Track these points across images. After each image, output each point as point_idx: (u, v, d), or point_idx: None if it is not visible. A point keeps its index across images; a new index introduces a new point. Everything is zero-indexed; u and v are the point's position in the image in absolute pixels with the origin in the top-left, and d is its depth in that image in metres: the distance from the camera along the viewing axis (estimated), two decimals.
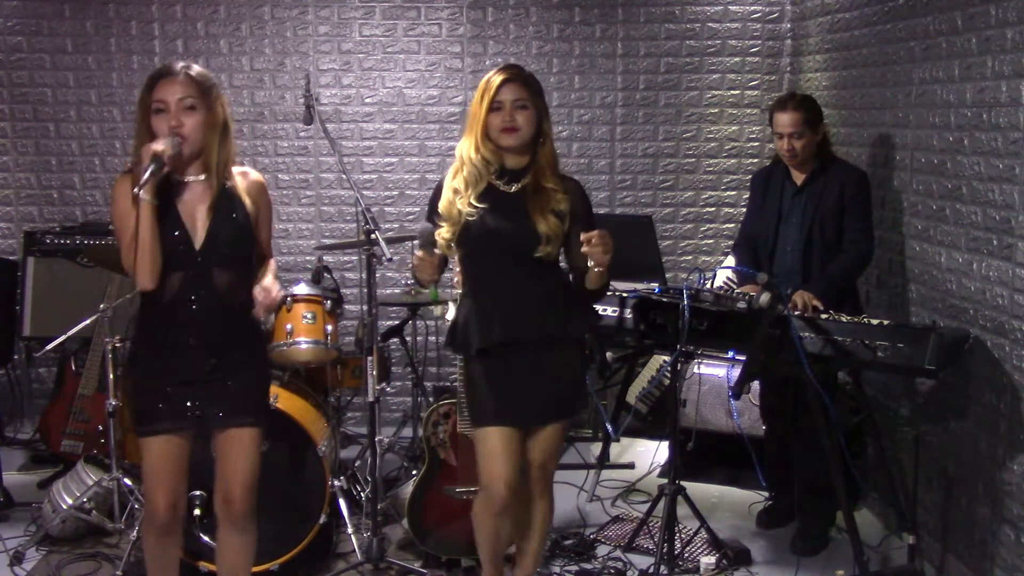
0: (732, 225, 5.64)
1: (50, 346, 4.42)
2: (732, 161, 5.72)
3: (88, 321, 4.31)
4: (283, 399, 3.89)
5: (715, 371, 4.84)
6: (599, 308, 4.01)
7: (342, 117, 5.57)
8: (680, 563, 3.90)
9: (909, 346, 3.50)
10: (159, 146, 2.72)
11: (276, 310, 3.13)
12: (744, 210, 4.76)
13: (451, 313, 3.24)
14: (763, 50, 5.64)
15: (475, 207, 3.03)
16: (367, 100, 5.58)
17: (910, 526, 3.77)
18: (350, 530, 4.04)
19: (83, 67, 5.49)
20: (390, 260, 3.57)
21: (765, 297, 3.53)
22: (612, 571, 3.95)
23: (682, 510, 3.94)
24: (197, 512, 3.61)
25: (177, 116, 2.78)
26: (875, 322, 3.68)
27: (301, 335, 4.11)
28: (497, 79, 3.03)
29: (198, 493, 3.54)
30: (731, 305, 3.67)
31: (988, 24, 3.55)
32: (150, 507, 2.97)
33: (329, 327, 4.17)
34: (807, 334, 3.64)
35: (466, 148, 3.07)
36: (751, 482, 4.59)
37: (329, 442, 4.06)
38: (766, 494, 4.51)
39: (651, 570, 3.86)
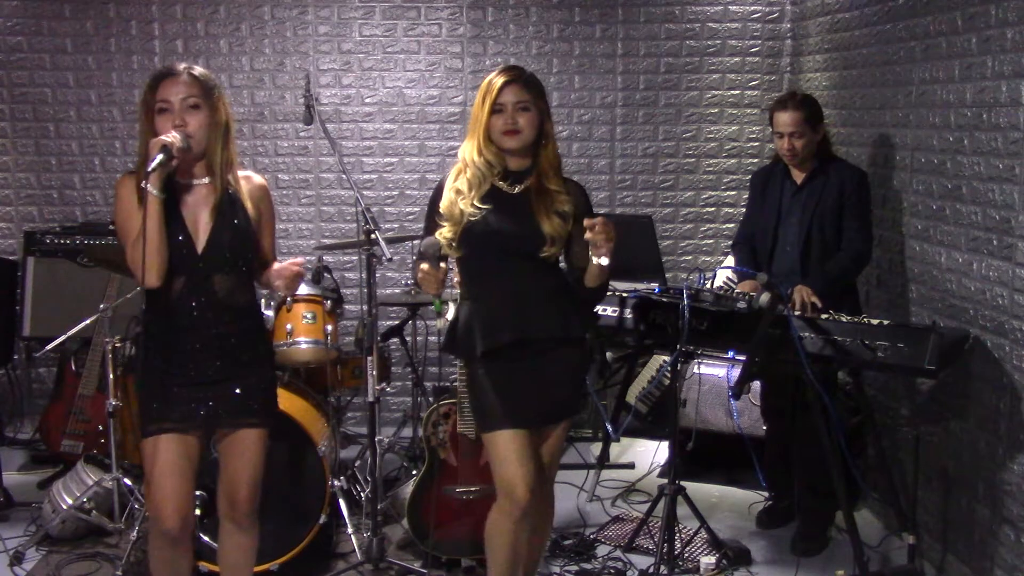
0: (732, 225, 5.64)
1: (50, 346, 4.43)
2: (732, 161, 5.73)
3: (88, 321, 4.31)
4: (283, 399, 3.88)
5: (715, 371, 4.84)
6: (599, 308, 4.02)
7: (342, 117, 5.57)
8: (680, 563, 3.90)
9: (909, 346, 3.50)
10: (168, 138, 2.71)
11: (299, 280, 3.04)
12: (744, 210, 4.76)
13: (450, 314, 3.21)
14: (763, 50, 5.64)
15: (478, 208, 3.02)
16: (367, 100, 5.58)
17: (910, 526, 3.76)
18: (350, 530, 4.04)
19: (83, 67, 5.49)
20: (390, 260, 3.57)
21: (765, 297, 3.53)
22: (612, 571, 3.95)
23: (682, 510, 3.94)
24: (197, 512, 3.60)
25: (181, 115, 2.77)
26: (875, 322, 3.68)
27: (301, 335, 4.11)
28: (499, 81, 3.01)
29: (199, 493, 3.53)
30: (731, 305, 3.67)
31: (988, 24, 3.56)
32: (158, 515, 2.88)
33: (329, 327, 4.18)
34: (807, 334, 3.64)
35: (469, 151, 3.06)
36: (751, 482, 4.59)
37: (329, 442, 4.06)
38: (766, 494, 4.51)
39: (651, 570, 3.86)
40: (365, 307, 3.84)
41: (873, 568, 3.82)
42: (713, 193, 5.74)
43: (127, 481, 4.11)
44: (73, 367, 4.81)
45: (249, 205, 2.94)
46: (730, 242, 5.17)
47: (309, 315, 4.13)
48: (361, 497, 4.31)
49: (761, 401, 4.50)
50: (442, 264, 2.96)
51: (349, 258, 5.62)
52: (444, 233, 3.03)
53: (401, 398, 5.58)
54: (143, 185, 2.68)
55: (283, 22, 5.50)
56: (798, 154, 4.05)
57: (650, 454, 5.15)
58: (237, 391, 2.93)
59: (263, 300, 4.04)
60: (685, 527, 4.14)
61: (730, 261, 4.61)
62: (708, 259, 5.71)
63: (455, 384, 3.39)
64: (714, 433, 4.87)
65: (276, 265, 3.00)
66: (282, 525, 3.79)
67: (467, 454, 3.84)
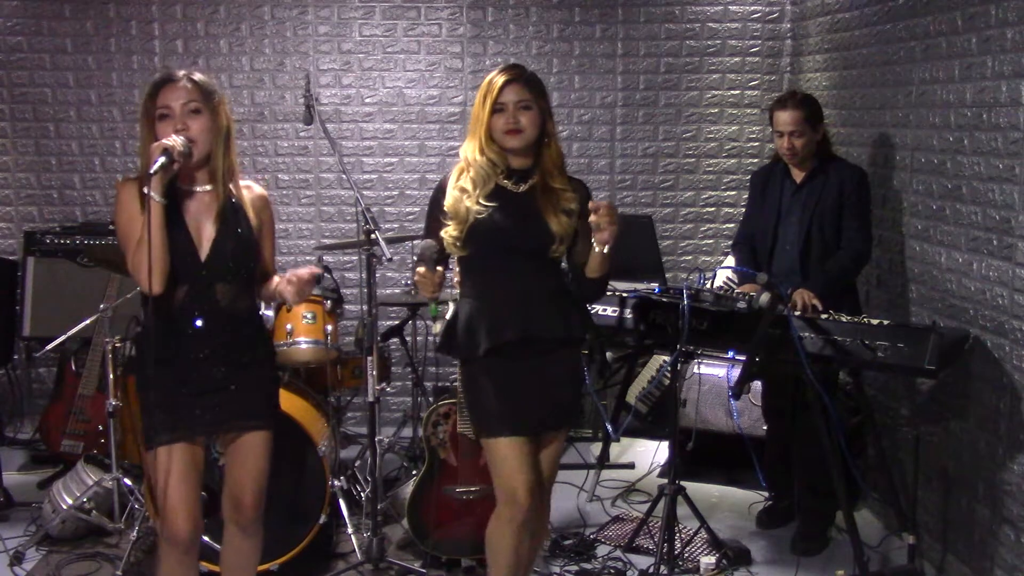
0: (732, 225, 5.64)
1: (50, 346, 4.43)
2: (732, 161, 5.73)
3: (88, 321, 4.32)
4: (283, 399, 3.86)
5: (715, 371, 4.84)
6: (599, 308, 4.03)
7: (342, 117, 5.57)
8: (680, 563, 3.90)
9: (909, 346, 3.50)
10: (170, 141, 2.69)
11: (311, 287, 3.03)
12: (744, 210, 4.76)
13: (449, 313, 3.17)
14: (763, 50, 5.64)
15: (485, 205, 2.98)
16: (367, 100, 5.58)
17: (910, 526, 3.76)
18: (350, 530, 4.04)
19: (83, 67, 5.50)
20: (390, 260, 3.57)
21: (765, 297, 3.53)
22: (612, 571, 3.95)
23: (682, 510, 3.94)
24: (198, 510, 3.59)
25: (182, 120, 2.75)
26: (875, 322, 3.68)
27: (301, 335, 4.11)
28: (499, 80, 2.98)
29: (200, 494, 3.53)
30: (731, 305, 3.67)
31: (988, 24, 3.55)
32: (171, 525, 2.84)
33: (329, 327, 4.18)
34: (807, 334, 3.64)
35: (470, 151, 3.03)
36: (751, 482, 4.59)
37: (329, 442, 4.06)
38: (766, 494, 4.51)
39: (651, 570, 3.86)
40: (365, 307, 3.84)
41: (873, 568, 3.82)
42: (713, 193, 5.74)
43: (127, 481, 4.11)
44: (73, 367, 4.81)
45: (251, 214, 2.92)
46: (730, 242, 5.17)
47: (309, 315, 4.13)
48: (361, 497, 4.31)
49: (761, 401, 4.50)
50: (439, 267, 2.93)
51: (349, 258, 5.62)
52: (450, 231, 3.00)
53: (401, 398, 5.58)
54: (145, 190, 2.66)
55: (283, 22, 5.50)
56: (798, 153, 4.05)
57: (650, 454, 5.15)
58: (241, 395, 2.92)
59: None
60: (685, 527, 4.14)
61: (730, 261, 4.61)
62: (708, 259, 5.71)
63: (455, 384, 3.38)
64: (714, 433, 4.87)
65: (288, 272, 2.97)
66: (282, 525, 3.79)
67: (467, 454, 3.84)
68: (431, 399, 4.38)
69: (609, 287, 3.86)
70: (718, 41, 5.62)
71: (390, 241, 3.66)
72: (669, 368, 3.85)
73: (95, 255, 4.64)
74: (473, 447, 3.78)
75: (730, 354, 4.45)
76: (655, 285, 4.02)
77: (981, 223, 3.63)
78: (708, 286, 3.77)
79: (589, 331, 3.28)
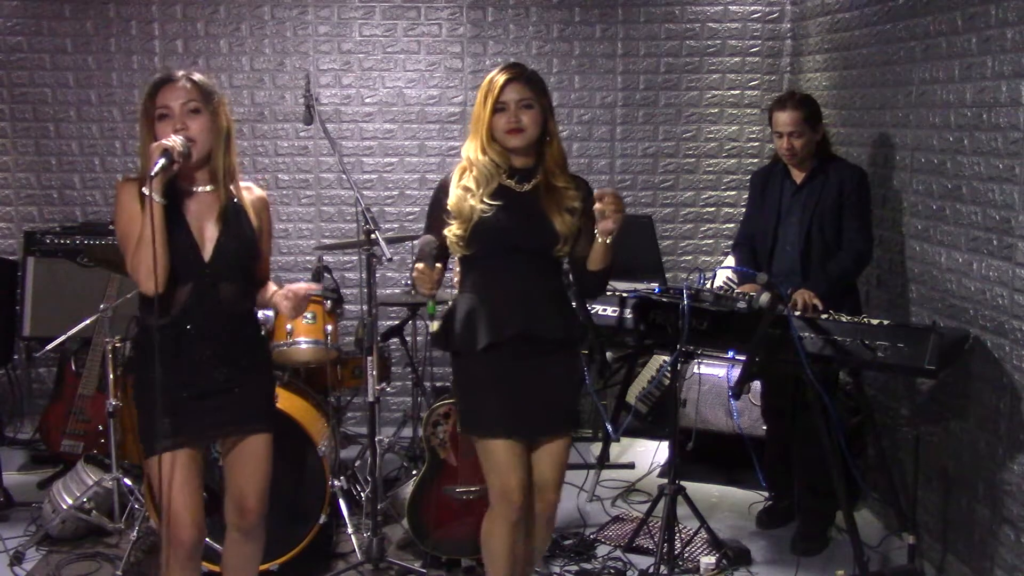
0: (732, 225, 5.64)
1: (50, 346, 4.43)
2: (732, 161, 5.73)
3: (88, 321, 4.32)
4: (283, 399, 3.88)
5: (715, 371, 4.84)
6: (599, 308, 4.03)
7: (342, 117, 5.57)
8: (680, 563, 3.90)
9: (909, 346, 3.50)
10: (169, 142, 2.68)
11: (306, 303, 3.04)
12: (744, 210, 4.76)
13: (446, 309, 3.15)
14: (763, 50, 5.64)
15: (489, 204, 2.97)
16: (367, 100, 5.58)
17: (910, 526, 3.77)
18: (350, 530, 4.04)
19: (83, 67, 5.50)
20: (390, 260, 3.56)
21: (765, 297, 3.53)
22: (612, 571, 3.95)
23: (682, 510, 3.94)
24: (201, 513, 3.59)
25: (182, 120, 2.74)
26: (875, 322, 3.67)
27: (301, 335, 4.11)
28: (500, 79, 2.97)
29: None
30: (731, 305, 3.67)
31: (988, 24, 3.56)
32: (177, 530, 2.82)
33: (329, 327, 4.18)
34: (807, 334, 3.64)
35: (472, 151, 3.01)
36: (751, 482, 4.59)
37: (329, 442, 4.06)
38: (766, 494, 4.51)
39: (651, 570, 3.86)
40: (365, 307, 3.84)
41: (873, 568, 3.82)
42: (713, 193, 5.74)
43: (127, 481, 4.11)
44: (73, 367, 4.81)
45: (252, 215, 2.92)
46: (730, 242, 5.18)
47: (309, 315, 4.13)
48: (361, 497, 4.31)
49: (761, 401, 4.50)
50: (438, 264, 2.92)
51: (349, 258, 5.62)
52: (453, 231, 2.98)
53: (401, 398, 5.58)
54: (145, 191, 2.64)
55: (283, 22, 5.50)
56: (797, 154, 4.05)
57: (650, 454, 5.15)
58: (242, 398, 2.91)
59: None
60: (685, 527, 4.14)
61: (730, 261, 4.61)
62: (708, 259, 5.71)
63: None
64: (714, 433, 4.87)
65: (286, 287, 2.98)
66: (282, 525, 3.79)
67: (467, 454, 3.84)
68: (431, 399, 4.38)
69: (609, 287, 3.86)
70: (718, 41, 5.62)
71: (390, 241, 3.66)
72: (669, 368, 3.85)
73: (95, 255, 4.64)
74: (473, 447, 3.77)
75: (730, 354, 4.45)
76: (655, 285, 4.01)
77: (981, 223, 3.63)
78: (708, 286, 3.77)
79: (588, 334, 3.26)
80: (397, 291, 5.06)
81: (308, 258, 5.51)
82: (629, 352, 4.86)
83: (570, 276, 3.20)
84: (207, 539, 3.58)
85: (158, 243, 2.66)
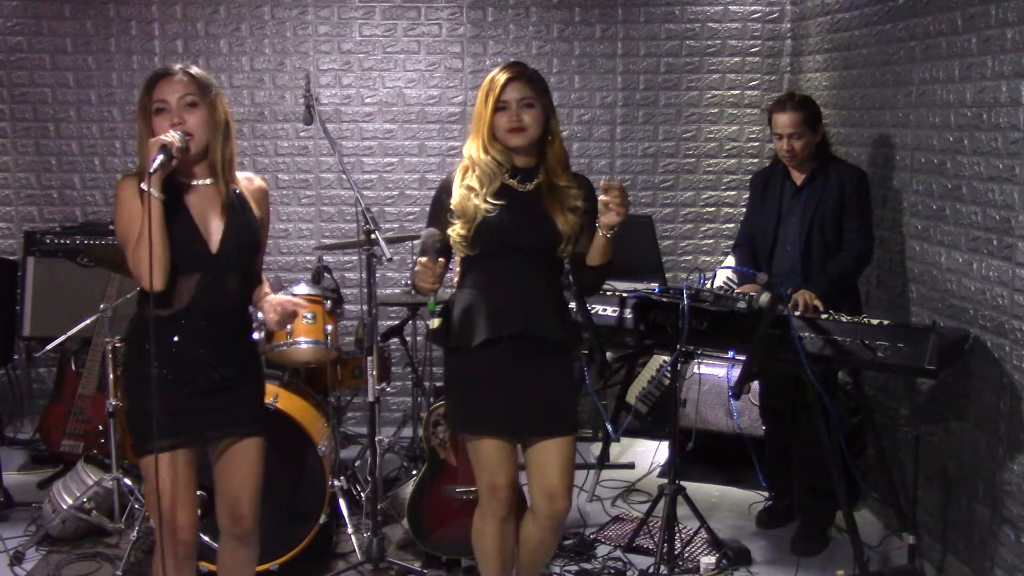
0: (732, 225, 5.64)
1: (50, 346, 4.43)
2: (732, 161, 5.73)
3: (88, 321, 4.32)
4: (283, 399, 3.89)
5: (715, 371, 4.84)
6: (599, 308, 4.03)
7: (342, 117, 5.57)
8: (680, 563, 3.90)
9: (909, 346, 3.50)
10: (167, 137, 2.67)
11: (293, 319, 3.04)
12: (744, 210, 4.76)
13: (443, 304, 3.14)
14: (763, 50, 5.64)
15: (493, 204, 2.96)
16: (367, 100, 5.58)
17: (910, 526, 3.76)
18: (350, 530, 4.04)
19: (83, 67, 5.50)
20: (390, 260, 3.56)
21: (765, 297, 3.53)
22: (612, 571, 3.95)
23: (682, 510, 3.94)
24: (198, 512, 3.59)
25: (179, 114, 2.73)
26: (875, 322, 3.67)
27: (301, 335, 4.11)
28: (501, 78, 2.96)
29: (199, 493, 3.52)
30: (731, 305, 3.67)
31: (988, 24, 3.56)
32: (175, 530, 2.81)
33: (329, 327, 4.18)
34: (807, 334, 3.64)
35: (474, 150, 3.00)
36: (751, 482, 4.59)
37: (329, 442, 4.06)
38: (766, 494, 4.51)
39: (651, 570, 3.86)
40: (365, 307, 3.84)
41: (873, 568, 3.82)
42: (713, 193, 5.74)
43: (127, 481, 4.11)
44: (73, 367, 4.81)
45: (254, 205, 2.91)
46: (730, 242, 5.18)
47: (309, 315, 4.13)
48: (361, 497, 4.31)
49: (761, 401, 4.50)
50: (440, 259, 2.91)
51: (349, 258, 5.62)
52: (457, 230, 2.97)
53: (401, 398, 5.58)
54: (143, 187, 2.64)
55: (283, 22, 5.50)
56: (797, 155, 4.05)
57: (650, 454, 5.15)
58: (237, 399, 2.89)
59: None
60: (685, 527, 4.14)
61: (730, 261, 4.61)
62: (708, 259, 5.71)
63: None
64: (714, 433, 4.87)
65: (274, 298, 2.96)
66: (282, 525, 3.79)
67: (467, 454, 3.84)
68: (431, 399, 4.37)
69: (609, 287, 3.86)
70: (718, 41, 5.62)
71: (390, 241, 3.66)
72: (669, 368, 3.85)
73: (95, 255, 4.63)
74: None
75: (730, 354, 4.45)
76: (655, 285, 4.01)
77: (981, 223, 3.63)
78: (708, 286, 3.77)
79: (582, 340, 3.24)
80: (397, 291, 5.07)
81: (308, 258, 5.51)
82: (629, 352, 4.86)
83: (569, 276, 3.19)
84: (207, 539, 3.60)
85: (158, 238, 2.65)
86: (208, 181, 2.83)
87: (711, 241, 5.77)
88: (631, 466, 5.10)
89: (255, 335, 3.03)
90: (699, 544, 4.09)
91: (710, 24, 5.62)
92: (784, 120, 4.02)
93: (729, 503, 4.67)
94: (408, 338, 4.99)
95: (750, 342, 3.62)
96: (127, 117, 5.47)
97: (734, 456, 4.73)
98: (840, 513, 3.96)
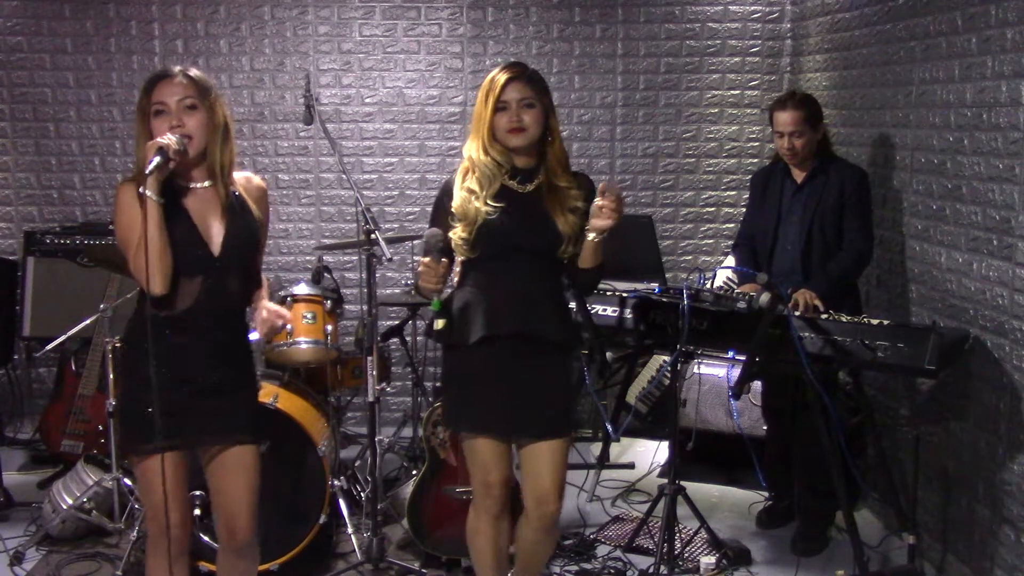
0: (732, 225, 5.64)
1: (50, 346, 4.43)
2: (732, 161, 5.73)
3: (88, 321, 4.31)
4: (283, 399, 3.89)
5: (715, 371, 4.84)
6: (599, 308, 4.02)
7: (342, 117, 5.57)
8: (680, 563, 3.90)
9: (909, 346, 3.50)
10: (164, 140, 2.66)
11: (274, 333, 3.03)
12: (744, 210, 4.76)
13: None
14: (763, 50, 5.64)
15: (493, 206, 2.96)
16: (367, 100, 5.58)
17: (910, 526, 3.76)
18: (350, 530, 4.04)
19: (83, 67, 5.50)
20: (390, 260, 3.56)
21: (765, 297, 3.53)
22: (612, 571, 3.95)
23: (682, 510, 3.94)
24: (197, 512, 3.60)
25: (178, 116, 2.72)
26: (875, 322, 3.68)
27: (301, 335, 4.11)
28: (501, 78, 2.96)
29: (198, 493, 3.53)
30: (731, 305, 3.67)
31: (988, 24, 3.56)
32: (168, 529, 2.79)
33: (329, 327, 4.17)
34: (807, 334, 3.64)
35: (474, 150, 3.00)
36: (751, 482, 4.59)
37: (329, 442, 4.06)
38: (766, 494, 4.51)
39: (651, 570, 3.86)
40: (365, 307, 3.84)
41: (873, 568, 3.82)
42: (713, 193, 5.74)
43: (127, 481, 4.11)
44: (73, 367, 4.81)
45: (254, 206, 2.90)
46: (730, 242, 5.17)
47: (309, 315, 4.13)
48: (361, 497, 4.31)
49: (761, 401, 4.50)
50: (443, 259, 2.90)
51: (349, 258, 5.62)
52: (459, 233, 2.97)
53: (401, 398, 5.58)
54: (140, 190, 2.63)
55: (283, 22, 5.50)
56: (798, 153, 4.05)
57: (650, 454, 5.15)
58: (232, 405, 2.86)
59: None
60: (685, 527, 4.14)
61: (730, 261, 4.61)
62: (708, 259, 5.71)
63: None
64: (714, 433, 4.87)
65: (263, 312, 2.93)
66: (282, 525, 3.80)
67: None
68: (431, 399, 4.38)
69: (609, 287, 3.86)
70: (718, 41, 5.62)
71: (390, 241, 3.66)
72: (669, 368, 3.85)
73: (95, 255, 4.63)
74: None
75: (730, 354, 4.45)
76: (655, 285, 4.01)
77: (981, 223, 3.63)
78: (708, 286, 3.77)
79: (582, 340, 3.24)
80: (397, 291, 5.06)
81: (308, 258, 5.51)
82: (629, 352, 4.86)
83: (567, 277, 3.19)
84: (206, 538, 3.60)
85: (159, 242, 2.64)
86: (207, 184, 2.82)
87: (711, 241, 5.77)
88: (631, 466, 5.10)
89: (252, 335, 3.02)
90: (699, 544, 4.09)
91: (710, 24, 5.62)
92: (785, 118, 4.02)
93: (729, 503, 4.67)
94: (408, 338, 4.99)
95: (750, 342, 3.62)
96: (127, 117, 5.47)
97: (734, 456, 4.73)
98: (840, 513, 3.96)
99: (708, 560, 3.92)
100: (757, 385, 4.49)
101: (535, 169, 3.04)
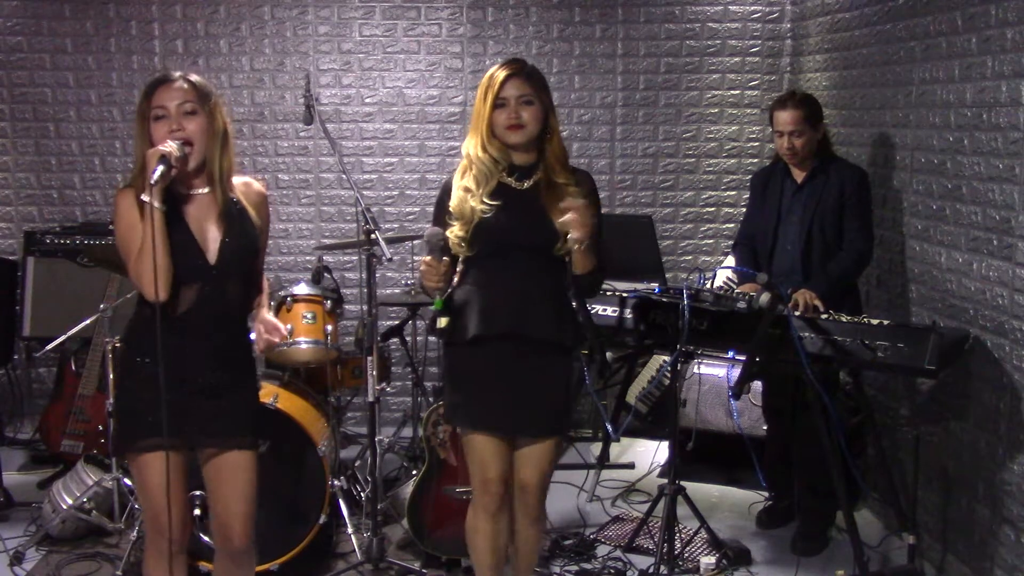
0: (732, 225, 5.64)
1: (50, 346, 4.43)
2: (732, 161, 5.73)
3: (88, 321, 4.31)
4: (283, 399, 3.89)
5: (715, 371, 4.84)
6: (599, 308, 4.02)
7: (342, 117, 5.57)
8: (680, 563, 3.90)
9: (909, 346, 3.50)
10: (165, 148, 2.66)
11: (271, 348, 3.05)
12: (744, 210, 4.76)
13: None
14: (763, 50, 5.64)
15: (489, 204, 2.97)
16: (367, 100, 5.58)
17: (910, 526, 3.76)
18: (350, 530, 4.04)
19: (83, 67, 5.50)
20: (390, 260, 3.57)
21: (765, 297, 3.53)
22: (612, 571, 3.95)
23: (682, 510, 3.94)
24: (197, 512, 3.60)
25: (178, 121, 2.72)
26: (875, 322, 3.68)
27: (301, 335, 4.11)
28: (500, 75, 2.96)
29: (198, 493, 3.53)
30: (731, 305, 3.67)
31: (988, 24, 3.56)
32: (164, 529, 2.79)
33: (329, 327, 4.17)
34: (807, 334, 3.64)
35: (472, 147, 3.00)
36: (751, 482, 4.59)
37: (329, 442, 4.06)
38: (766, 494, 4.51)
39: (651, 570, 3.86)
40: (365, 307, 3.84)
41: (873, 568, 3.82)
42: (713, 193, 5.74)
43: (127, 481, 4.11)
44: (73, 367, 4.81)
45: (253, 213, 2.89)
46: (730, 242, 5.17)
47: (309, 315, 4.13)
48: (361, 497, 4.31)
49: (761, 401, 4.50)
50: (445, 258, 2.92)
51: (349, 258, 5.62)
52: (455, 232, 2.98)
53: (401, 398, 5.58)
54: (144, 198, 2.63)
55: (283, 22, 5.50)
56: (798, 153, 4.05)
57: (650, 454, 5.15)
58: (229, 408, 2.86)
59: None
60: (685, 527, 4.14)
61: (730, 261, 4.61)
62: (708, 259, 5.71)
63: None
64: (714, 433, 4.87)
65: (264, 321, 2.94)
66: (282, 525, 3.80)
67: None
68: (431, 399, 4.38)
69: (609, 287, 3.86)
70: (718, 41, 5.62)
71: (390, 241, 3.66)
72: (669, 368, 3.85)
73: (95, 255, 4.63)
74: None
75: (730, 354, 4.45)
76: (655, 285, 4.01)
77: (981, 223, 3.63)
78: (708, 286, 3.77)
79: (584, 339, 3.24)
80: (397, 291, 5.06)
81: (308, 258, 5.51)
82: (629, 352, 4.86)
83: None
84: (206, 538, 3.60)
85: (160, 250, 2.65)
86: (206, 190, 2.82)
87: (711, 241, 5.77)
88: (631, 466, 5.10)
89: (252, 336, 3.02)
90: (699, 544, 4.09)
91: (710, 24, 5.62)
92: (785, 117, 4.02)
93: (729, 503, 4.67)
94: (408, 338, 4.99)
95: (750, 342, 3.62)
96: (127, 117, 5.47)
97: (734, 456, 4.73)
98: (840, 513, 3.96)
99: (708, 560, 3.92)
100: (757, 385, 4.49)
101: (533, 166, 3.04)
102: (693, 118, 5.68)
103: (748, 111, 5.68)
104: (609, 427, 4.38)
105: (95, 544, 4.09)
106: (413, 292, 4.64)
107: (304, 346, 4.11)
